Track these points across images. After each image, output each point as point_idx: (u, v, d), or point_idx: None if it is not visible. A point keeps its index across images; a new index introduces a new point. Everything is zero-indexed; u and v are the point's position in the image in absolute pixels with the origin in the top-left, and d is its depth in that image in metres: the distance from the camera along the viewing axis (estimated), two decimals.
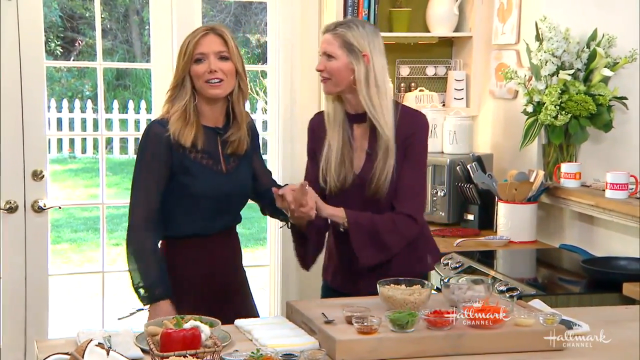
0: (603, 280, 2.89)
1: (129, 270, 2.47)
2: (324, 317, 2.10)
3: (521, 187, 3.48)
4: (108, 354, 1.81)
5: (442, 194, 3.73)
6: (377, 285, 2.20)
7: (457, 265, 3.13)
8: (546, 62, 3.41)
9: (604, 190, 3.21)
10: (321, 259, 2.74)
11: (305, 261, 2.67)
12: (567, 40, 3.41)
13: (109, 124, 10.57)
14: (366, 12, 3.82)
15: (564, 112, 3.36)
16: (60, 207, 4.04)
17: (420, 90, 4.04)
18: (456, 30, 4.00)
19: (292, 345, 1.97)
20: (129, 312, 2.53)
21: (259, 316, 2.60)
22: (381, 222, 2.54)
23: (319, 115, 2.70)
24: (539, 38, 3.47)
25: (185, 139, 2.45)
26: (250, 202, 2.69)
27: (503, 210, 3.52)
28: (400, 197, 2.56)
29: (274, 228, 3.91)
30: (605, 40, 3.40)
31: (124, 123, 10.93)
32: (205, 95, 2.49)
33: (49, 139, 3.80)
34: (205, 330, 1.93)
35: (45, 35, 3.68)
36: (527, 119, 3.50)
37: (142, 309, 2.54)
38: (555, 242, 3.54)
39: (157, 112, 3.79)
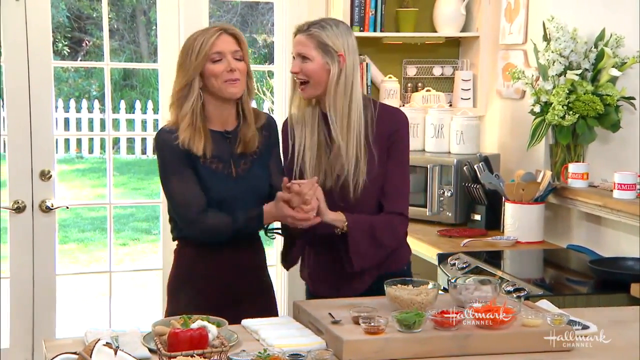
0: (610, 281, 2.88)
1: (232, 236, 2.44)
2: (330, 317, 2.10)
3: (528, 187, 3.47)
4: (116, 353, 1.82)
5: (449, 194, 3.73)
6: (385, 286, 2.20)
7: (464, 266, 3.12)
8: (554, 62, 3.40)
9: (611, 190, 3.21)
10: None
11: (288, 261, 2.64)
12: (575, 40, 3.40)
13: (116, 124, 10.60)
14: (373, 12, 3.82)
15: (571, 112, 3.35)
16: (67, 207, 4.06)
17: (427, 91, 4.04)
18: (463, 30, 4.00)
19: (299, 346, 1.98)
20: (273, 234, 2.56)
21: None
22: (379, 223, 2.52)
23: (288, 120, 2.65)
24: (546, 38, 3.46)
25: (196, 147, 2.43)
26: None
27: (510, 211, 3.52)
28: (390, 197, 2.55)
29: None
30: (613, 40, 3.39)
31: (131, 123, 10.95)
32: (222, 95, 2.45)
33: (57, 139, 3.81)
34: (212, 330, 1.93)
35: (52, 36, 3.69)
36: (535, 119, 3.49)
37: (274, 229, 2.58)
38: (562, 242, 3.53)
39: (164, 112, 3.80)
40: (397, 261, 2.64)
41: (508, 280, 2.87)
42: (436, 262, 3.29)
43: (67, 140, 11.18)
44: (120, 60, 11.55)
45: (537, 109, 3.46)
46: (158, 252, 4.15)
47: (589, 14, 3.48)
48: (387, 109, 2.61)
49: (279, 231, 2.60)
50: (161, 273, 3.86)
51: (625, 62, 3.38)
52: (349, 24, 3.74)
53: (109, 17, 3.92)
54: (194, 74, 2.44)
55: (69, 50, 12.05)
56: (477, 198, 3.71)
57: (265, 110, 10.10)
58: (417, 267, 3.14)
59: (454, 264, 3.17)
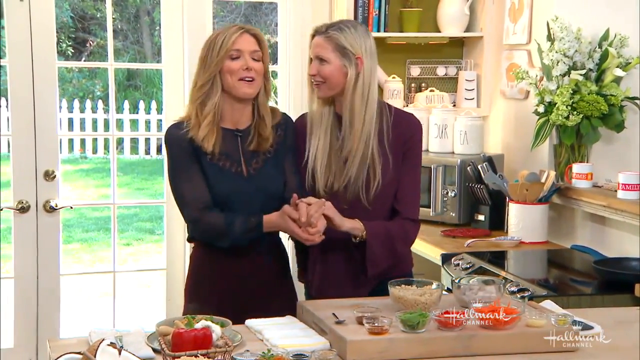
0: (615, 281, 2.87)
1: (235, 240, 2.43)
2: (334, 317, 2.10)
3: (532, 187, 3.47)
4: (120, 353, 1.82)
5: (452, 195, 3.72)
6: (388, 286, 2.20)
7: (468, 266, 3.12)
8: (558, 62, 3.40)
9: (615, 190, 3.20)
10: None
11: (305, 272, 2.62)
12: (579, 40, 3.39)
13: (119, 124, 10.61)
14: (377, 12, 3.82)
15: (575, 113, 3.35)
16: (71, 207, 4.06)
17: (430, 91, 4.04)
18: (467, 30, 3.99)
19: (303, 346, 1.98)
20: None
21: None
22: (395, 231, 2.50)
23: (303, 118, 2.63)
24: (550, 38, 3.46)
25: (207, 144, 2.43)
26: None
27: (514, 211, 3.51)
28: (404, 202, 2.53)
29: None
30: (617, 40, 3.39)
31: (134, 123, 10.96)
32: (236, 94, 2.45)
33: (61, 139, 3.82)
34: (216, 330, 1.93)
35: (56, 36, 3.70)
36: (539, 119, 3.49)
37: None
38: (566, 242, 3.53)
39: (168, 112, 3.81)
40: (401, 267, 2.60)
41: (512, 281, 2.87)
42: (440, 263, 3.29)
43: (71, 141, 11.19)
44: (124, 60, 11.56)
45: (541, 109, 3.46)
46: (162, 252, 4.16)
47: (593, 14, 3.48)
48: (402, 114, 2.60)
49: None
50: (165, 273, 3.87)
51: (630, 62, 3.38)
52: None
53: (112, 18, 3.92)
54: (215, 69, 2.44)
55: (72, 51, 12.07)
56: (481, 198, 3.71)
57: None
58: (421, 268, 3.14)
59: (458, 264, 3.17)
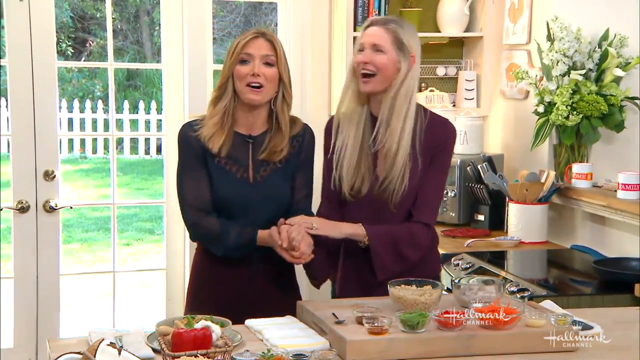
0: (615, 281, 2.87)
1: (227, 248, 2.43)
2: (334, 317, 2.10)
3: (532, 187, 3.47)
4: (120, 353, 1.82)
5: (452, 195, 3.72)
6: (388, 286, 2.20)
7: (468, 266, 3.12)
8: (557, 62, 3.40)
9: (615, 190, 3.20)
10: None
11: (317, 278, 2.59)
12: (579, 40, 3.40)
13: (119, 124, 10.60)
14: (376, 12, 3.82)
15: (575, 113, 3.35)
16: (71, 207, 4.06)
17: (430, 91, 4.04)
18: (467, 30, 3.99)
19: (303, 346, 1.98)
20: None
21: None
22: (400, 234, 2.46)
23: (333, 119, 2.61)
24: (550, 38, 3.46)
25: (213, 144, 2.43)
26: None
27: (514, 211, 3.51)
28: (420, 205, 2.48)
29: None
30: (617, 40, 3.39)
31: (134, 123, 10.95)
32: (243, 99, 2.44)
33: (60, 139, 3.82)
34: (216, 330, 1.93)
35: (56, 36, 3.70)
36: (538, 119, 3.49)
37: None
38: (566, 242, 3.53)
39: (167, 112, 3.81)
40: (429, 271, 2.54)
41: (512, 281, 2.87)
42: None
43: (70, 141, 11.18)
44: (124, 60, 11.56)
45: (541, 109, 3.46)
46: (162, 252, 4.16)
47: (592, 14, 3.48)
48: (437, 119, 2.54)
49: None
50: (165, 273, 3.87)
51: (629, 62, 3.38)
52: (352, 24, 3.75)
53: (112, 18, 3.92)
54: (228, 73, 2.45)
55: (72, 51, 12.06)
56: (481, 198, 3.71)
57: None
58: None
59: (458, 264, 3.17)
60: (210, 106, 2.49)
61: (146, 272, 6.28)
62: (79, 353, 1.87)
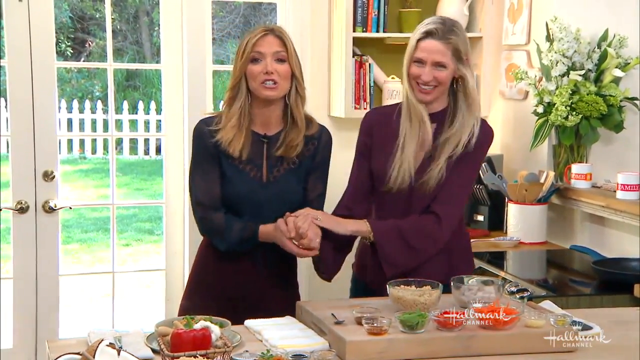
0: (614, 282, 2.88)
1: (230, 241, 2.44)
2: (333, 317, 2.10)
3: (531, 188, 3.47)
4: (119, 354, 1.82)
5: None
6: (387, 286, 2.20)
7: None
8: (557, 62, 3.40)
9: (614, 191, 3.20)
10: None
11: (325, 275, 2.58)
12: (578, 40, 3.40)
13: (118, 124, 10.60)
14: (376, 12, 3.81)
15: (574, 113, 3.35)
16: (70, 208, 4.06)
17: None
18: (466, 30, 3.96)
19: (302, 346, 1.98)
20: None
21: None
22: (405, 225, 2.45)
23: (378, 112, 2.63)
24: (549, 38, 3.46)
25: (233, 148, 2.43)
26: None
27: (513, 211, 3.52)
28: (438, 196, 2.46)
29: None
30: (616, 40, 3.39)
31: (133, 124, 10.95)
32: (259, 96, 2.45)
33: (60, 140, 3.82)
34: (215, 330, 1.93)
35: (55, 37, 3.69)
36: (538, 120, 3.49)
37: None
38: (565, 243, 3.53)
39: (167, 112, 3.81)
40: (455, 273, 2.48)
41: (511, 281, 2.86)
42: None
43: (70, 141, 11.18)
44: (123, 60, 11.55)
45: (540, 109, 3.46)
46: (161, 252, 4.15)
47: (592, 15, 3.48)
48: (484, 124, 2.57)
49: None
50: (164, 274, 3.87)
51: (629, 63, 3.38)
52: (351, 25, 3.75)
53: (112, 18, 3.91)
54: (240, 73, 2.45)
55: (72, 51, 12.06)
56: (480, 199, 3.71)
57: None
58: None
59: None
60: (225, 107, 2.49)
61: (145, 272, 6.28)
62: (78, 354, 1.87)
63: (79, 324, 4.98)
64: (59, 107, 10.18)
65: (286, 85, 2.46)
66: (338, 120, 3.80)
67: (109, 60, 3.85)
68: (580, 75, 3.37)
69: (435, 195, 2.46)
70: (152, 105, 10.93)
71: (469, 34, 3.95)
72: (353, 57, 3.77)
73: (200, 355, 1.82)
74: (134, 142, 11.27)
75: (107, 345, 1.84)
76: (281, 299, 2.48)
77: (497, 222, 3.69)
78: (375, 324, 1.99)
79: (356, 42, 3.79)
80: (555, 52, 3.39)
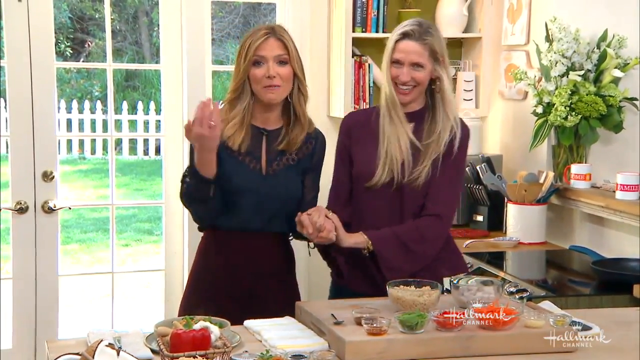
0: (613, 282, 2.88)
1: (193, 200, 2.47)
2: (333, 318, 2.10)
3: (531, 188, 3.47)
4: (118, 354, 1.82)
5: None
6: (387, 287, 2.20)
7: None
8: (556, 62, 3.40)
9: (614, 191, 3.20)
10: None
11: (340, 275, 2.59)
12: (577, 41, 3.40)
13: (118, 124, 10.60)
14: (375, 13, 3.82)
15: (574, 113, 3.35)
16: (70, 208, 4.06)
17: None
18: (465, 31, 3.99)
19: (302, 346, 1.97)
20: None
21: None
22: (402, 230, 2.48)
23: (356, 114, 2.68)
24: (548, 39, 3.46)
25: (233, 142, 2.45)
26: None
27: (512, 212, 3.52)
28: (431, 197, 2.50)
29: None
30: (616, 41, 3.39)
31: (133, 124, 10.95)
32: (262, 99, 2.47)
33: (59, 140, 3.82)
34: (214, 331, 1.93)
35: (55, 37, 3.69)
36: (537, 120, 3.49)
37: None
38: (565, 243, 3.53)
39: (166, 113, 3.82)
40: (452, 264, 2.58)
41: (510, 281, 2.87)
42: None
43: (69, 141, 11.18)
44: (123, 61, 11.56)
45: (540, 109, 3.46)
46: (160, 253, 4.15)
47: (591, 15, 3.48)
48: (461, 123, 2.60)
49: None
50: (163, 274, 3.87)
51: (628, 63, 3.38)
52: (351, 25, 3.75)
53: (111, 18, 3.91)
54: (244, 76, 2.47)
55: (71, 52, 12.05)
56: (480, 199, 3.71)
57: None
58: None
59: None
60: (228, 107, 2.50)
61: (145, 272, 6.29)
62: (77, 354, 1.87)
63: (78, 325, 4.98)
64: (59, 108, 10.20)
65: (288, 87, 2.47)
66: (338, 120, 3.79)
67: (109, 61, 3.85)
68: (579, 75, 3.37)
69: (424, 195, 2.50)
70: (152, 105, 10.93)
71: (469, 35, 3.98)
72: (352, 57, 3.78)
73: (200, 356, 1.82)
74: (133, 142, 11.27)
75: (106, 346, 1.83)
76: (280, 299, 2.48)
77: (496, 223, 3.69)
78: (374, 324, 1.99)
79: (355, 42, 3.80)
80: (555, 53, 3.39)
